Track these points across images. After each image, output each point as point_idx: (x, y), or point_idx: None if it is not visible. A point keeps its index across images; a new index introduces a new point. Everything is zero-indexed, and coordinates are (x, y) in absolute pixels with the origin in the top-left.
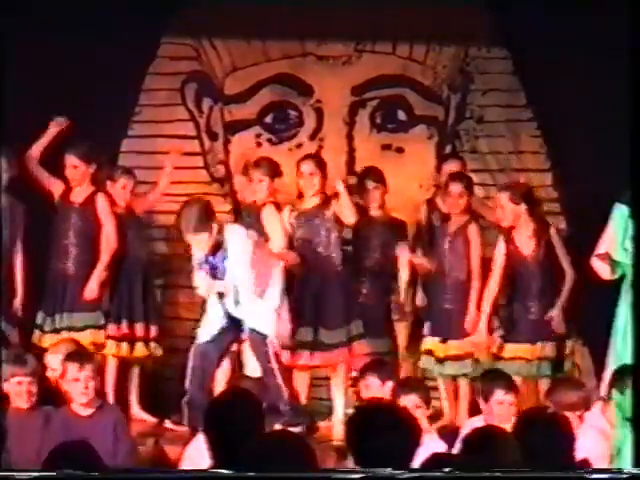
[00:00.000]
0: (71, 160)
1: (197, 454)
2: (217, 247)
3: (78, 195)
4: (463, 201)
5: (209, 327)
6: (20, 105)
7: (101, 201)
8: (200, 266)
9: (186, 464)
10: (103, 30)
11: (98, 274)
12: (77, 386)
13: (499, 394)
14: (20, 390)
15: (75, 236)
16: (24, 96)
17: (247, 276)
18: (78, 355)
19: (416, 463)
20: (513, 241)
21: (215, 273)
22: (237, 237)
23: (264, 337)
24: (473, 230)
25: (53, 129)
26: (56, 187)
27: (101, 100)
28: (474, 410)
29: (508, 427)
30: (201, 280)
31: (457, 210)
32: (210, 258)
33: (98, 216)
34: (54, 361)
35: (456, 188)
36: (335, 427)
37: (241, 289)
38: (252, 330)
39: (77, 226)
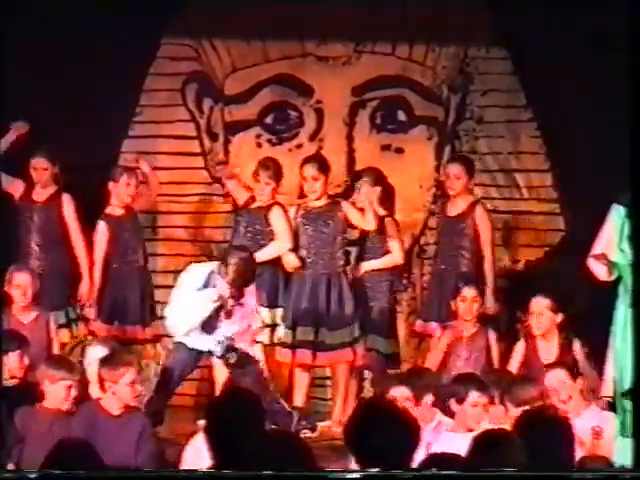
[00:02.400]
0: (39, 163)
1: (197, 454)
2: None
3: (40, 194)
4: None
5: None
6: (20, 105)
7: (67, 202)
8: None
9: (186, 464)
10: (103, 30)
11: (87, 274)
12: (123, 388)
13: (474, 395)
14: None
15: (39, 235)
16: (24, 96)
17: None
18: (122, 357)
19: (416, 462)
20: None
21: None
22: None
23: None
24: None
25: (12, 134)
26: (15, 188)
27: (101, 100)
28: None
29: (479, 429)
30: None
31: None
32: None
33: (63, 215)
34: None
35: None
36: (335, 427)
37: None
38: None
39: (40, 225)
